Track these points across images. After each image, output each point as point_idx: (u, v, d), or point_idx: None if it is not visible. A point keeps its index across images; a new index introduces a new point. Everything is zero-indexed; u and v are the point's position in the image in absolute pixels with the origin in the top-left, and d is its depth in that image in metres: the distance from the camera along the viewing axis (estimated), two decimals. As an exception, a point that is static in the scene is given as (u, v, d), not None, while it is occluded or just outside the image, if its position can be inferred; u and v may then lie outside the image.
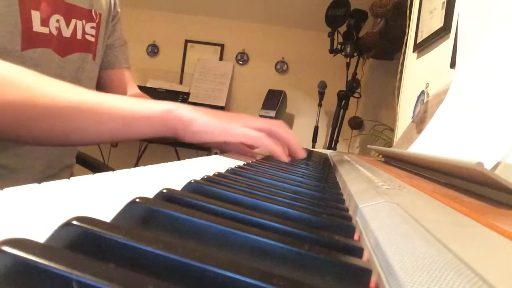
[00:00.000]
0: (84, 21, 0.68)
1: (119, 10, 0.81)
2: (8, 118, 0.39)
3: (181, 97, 2.58)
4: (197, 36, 2.86)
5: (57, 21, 0.62)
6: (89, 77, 0.72)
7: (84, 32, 0.68)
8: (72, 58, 0.66)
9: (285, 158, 0.52)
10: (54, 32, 0.61)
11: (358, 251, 0.17)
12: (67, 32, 0.64)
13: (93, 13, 0.70)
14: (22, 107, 0.39)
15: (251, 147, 0.58)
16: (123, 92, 0.81)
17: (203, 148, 2.46)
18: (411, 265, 0.11)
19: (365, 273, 0.14)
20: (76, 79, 0.67)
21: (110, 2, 0.76)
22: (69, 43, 0.65)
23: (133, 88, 0.84)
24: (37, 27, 0.58)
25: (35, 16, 0.57)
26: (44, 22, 0.59)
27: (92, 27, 0.70)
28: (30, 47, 0.57)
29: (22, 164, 0.62)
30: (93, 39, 0.70)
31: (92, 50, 0.71)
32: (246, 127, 0.50)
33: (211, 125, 0.49)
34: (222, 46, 2.85)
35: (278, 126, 0.54)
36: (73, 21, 0.65)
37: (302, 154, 0.57)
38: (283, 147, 0.53)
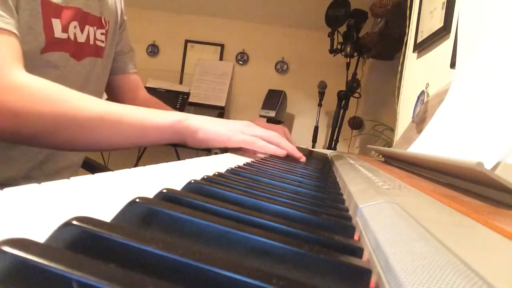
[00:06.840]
0: (95, 28, 0.72)
1: (125, 18, 0.85)
2: (38, 127, 0.45)
3: (181, 97, 2.56)
4: (197, 36, 2.86)
5: (75, 27, 0.66)
6: (98, 78, 0.76)
7: (95, 38, 0.72)
8: (85, 62, 0.70)
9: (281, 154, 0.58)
10: (72, 37, 0.66)
11: (358, 251, 0.17)
12: (81, 38, 0.68)
13: (103, 20, 0.74)
14: (50, 117, 0.45)
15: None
16: (133, 95, 0.88)
17: (203, 148, 2.45)
18: (411, 265, 0.11)
19: (365, 273, 0.14)
20: (86, 81, 0.72)
21: (117, 11, 0.80)
22: (83, 48, 0.69)
23: (143, 91, 0.90)
24: (58, 33, 0.62)
25: (56, 23, 0.61)
26: (65, 28, 0.63)
27: (102, 33, 0.74)
28: (49, 50, 0.61)
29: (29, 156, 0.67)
30: (103, 45, 0.75)
31: (102, 55, 0.75)
32: (244, 135, 0.56)
33: (215, 134, 0.55)
34: (222, 46, 2.85)
35: (275, 137, 0.59)
36: (87, 27, 0.69)
37: (303, 159, 0.61)
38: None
